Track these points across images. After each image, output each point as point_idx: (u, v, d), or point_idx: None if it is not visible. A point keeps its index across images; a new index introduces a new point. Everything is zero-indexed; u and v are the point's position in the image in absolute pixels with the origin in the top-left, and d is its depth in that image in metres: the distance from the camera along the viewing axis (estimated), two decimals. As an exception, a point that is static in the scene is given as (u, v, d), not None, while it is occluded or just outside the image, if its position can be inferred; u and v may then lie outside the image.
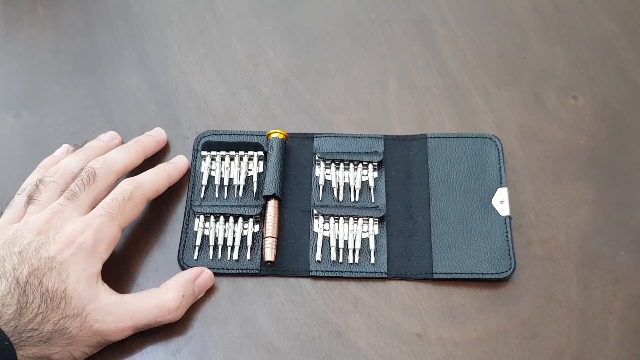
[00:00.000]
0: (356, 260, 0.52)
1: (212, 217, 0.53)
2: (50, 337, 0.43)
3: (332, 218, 0.53)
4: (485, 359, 0.48)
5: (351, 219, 0.53)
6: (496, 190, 0.54)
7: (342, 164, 0.55)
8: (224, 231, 0.52)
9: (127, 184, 0.49)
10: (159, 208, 0.54)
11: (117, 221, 0.48)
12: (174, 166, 0.54)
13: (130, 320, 0.46)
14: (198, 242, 0.52)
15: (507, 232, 0.52)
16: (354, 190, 0.54)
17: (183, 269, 0.51)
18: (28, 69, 0.62)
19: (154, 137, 0.56)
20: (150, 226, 0.53)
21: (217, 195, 0.54)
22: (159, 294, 0.48)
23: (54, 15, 0.65)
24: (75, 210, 0.47)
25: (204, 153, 0.56)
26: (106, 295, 0.46)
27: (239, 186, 0.54)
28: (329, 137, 0.57)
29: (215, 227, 0.53)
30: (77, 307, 0.44)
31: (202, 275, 0.50)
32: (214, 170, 0.55)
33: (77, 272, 0.45)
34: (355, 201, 0.54)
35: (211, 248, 0.52)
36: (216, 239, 0.52)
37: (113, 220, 0.47)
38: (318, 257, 0.52)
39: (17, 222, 0.48)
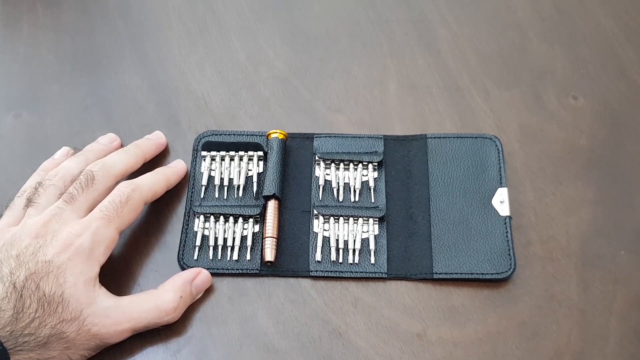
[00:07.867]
0: (356, 261, 0.52)
1: (212, 217, 0.53)
2: (47, 342, 0.43)
3: (332, 218, 0.53)
4: (485, 359, 0.48)
5: (351, 219, 0.53)
6: (496, 190, 0.54)
7: (342, 164, 0.55)
8: (224, 231, 0.52)
9: (125, 186, 0.49)
10: (158, 208, 0.54)
11: (114, 224, 0.47)
12: (173, 170, 0.54)
13: (128, 322, 0.46)
14: (198, 243, 0.52)
15: (507, 232, 0.52)
16: (354, 191, 0.54)
17: (183, 269, 0.51)
18: (28, 69, 0.62)
19: (153, 141, 0.56)
20: (150, 226, 0.53)
21: (217, 196, 0.54)
22: (157, 296, 0.48)
23: (54, 15, 0.65)
24: (74, 214, 0.47)
25: (203, 153, 0.56)
26: (104, 298, 0.46)
27: (238, 186, 0.55)
28: (329, 137, 0.57)
29: (215, 228, 0.53)
30: (74, 311, 0.44)
31: (200, 276, 0.50)
32: (214, 170, 0.55)
33: (75, 276, 0.45)
34: (355, 201, 0.54)
35: (211, 248, 0.52)
36: (216, 239, 0.52)
37: (110, 223, 0.47)
38: (318, 257, 0.52)
39: (16, 224, 0.48)
